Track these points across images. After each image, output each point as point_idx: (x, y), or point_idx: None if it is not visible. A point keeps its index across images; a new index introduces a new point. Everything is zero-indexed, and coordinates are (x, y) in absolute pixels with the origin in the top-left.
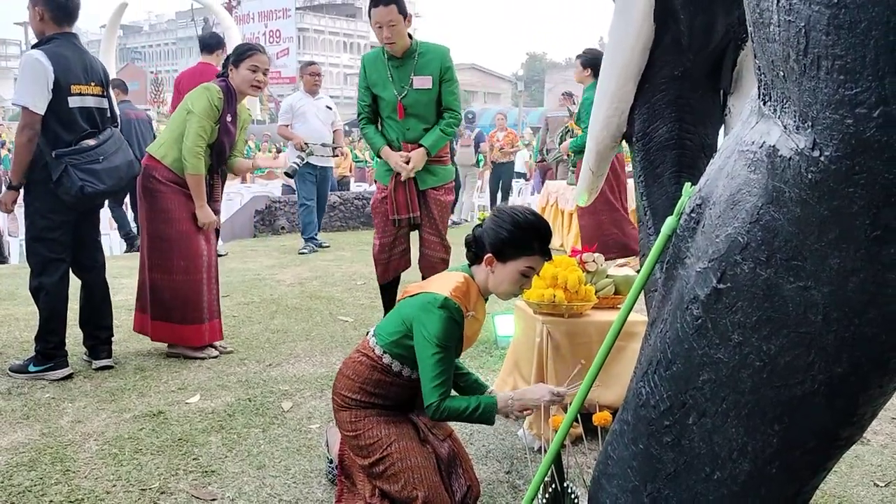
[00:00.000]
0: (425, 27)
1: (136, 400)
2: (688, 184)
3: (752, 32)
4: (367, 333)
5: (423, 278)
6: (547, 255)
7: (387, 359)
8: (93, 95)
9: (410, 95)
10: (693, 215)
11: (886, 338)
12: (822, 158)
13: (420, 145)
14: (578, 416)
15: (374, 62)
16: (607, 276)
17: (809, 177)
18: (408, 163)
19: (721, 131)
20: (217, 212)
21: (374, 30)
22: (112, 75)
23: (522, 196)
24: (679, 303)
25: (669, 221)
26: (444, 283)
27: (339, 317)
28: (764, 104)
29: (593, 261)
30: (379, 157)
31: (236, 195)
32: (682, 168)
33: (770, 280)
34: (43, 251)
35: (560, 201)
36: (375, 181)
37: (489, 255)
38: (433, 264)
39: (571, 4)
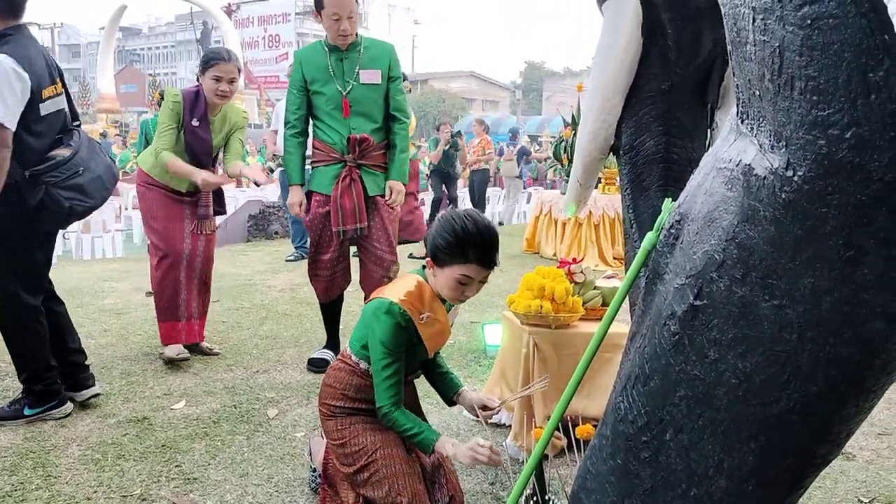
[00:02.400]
0: (424, 34)
1: (121, 405)
2: (668, 199)
3: (731, 51)
4: (346, 343)
5: (366, 297)
6: (487, 265)
7: (363, 364)
8: (60, 95)
9: (356, 90)
10: (672, 231)
11: (861, 357)
12: (795, 178)
13: (387, 176)
14: (563, 426)
15: (311, 56)
16: (595, 288)
17: (783, 196)
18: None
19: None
20: (207, 217)
21: (328, 21)
22: (111, 77)
23: (492, 204)
24: (657, 318)
25: (650, 237)
26: (397, 288)
27: None
28: (741, 122)
29: (581, 272)
30: (289, 183)
31: (231, 199)
32: (669, 181)
33: (745, 298)
34: (22, 275)
35: (553, 210)
36: (310, 191)
37: (428, 258)
38: (377, 281)
39: (570, 14)
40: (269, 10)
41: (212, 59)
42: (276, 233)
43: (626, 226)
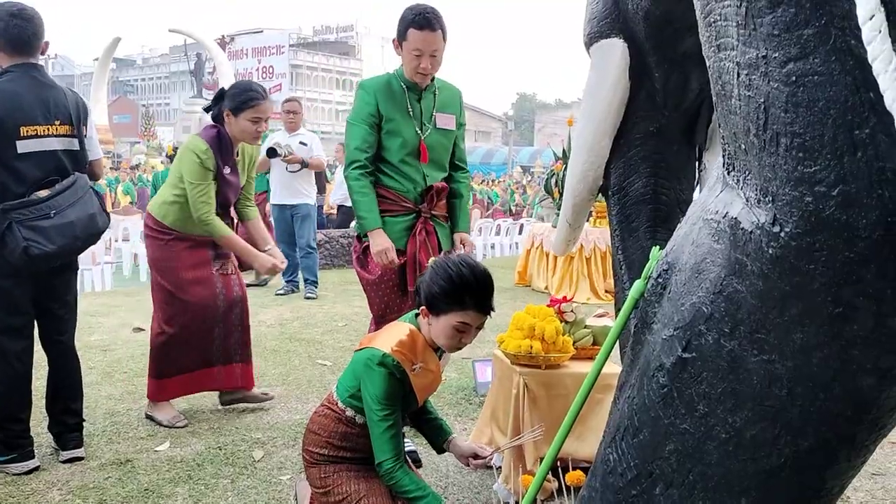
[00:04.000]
0: None
1: (104, 447)
2: (655, 248)
3: (716, 102)
4: (333, 387)
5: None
6: (483, 311)
7: (350, 412)
8: (57, 136)
9: (432, 135)
10: (660, 280)
11: (852, 413)
12: (782, 234)
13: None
14: (554, 469)
15: (386, 91)
16: (585, 327)
17: (770, 252)
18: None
19: (696, 186)
20: (229, 255)
21: (408, 56)
22: (104, 108)
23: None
24: (646, 369)
25: (638, 285)
26: (389, 338)
27: (318, 360)
28: (728, 173)
29: (571, 311)
30: (357, 231)
31: None
32: (658, 223)
33: (734, 352)
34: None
35: (545, 244)
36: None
37: (423, 307)
38: None
39: (562, 46)
40: (264, 41)
41: (250, 100)
42: None
43: (615, 267)
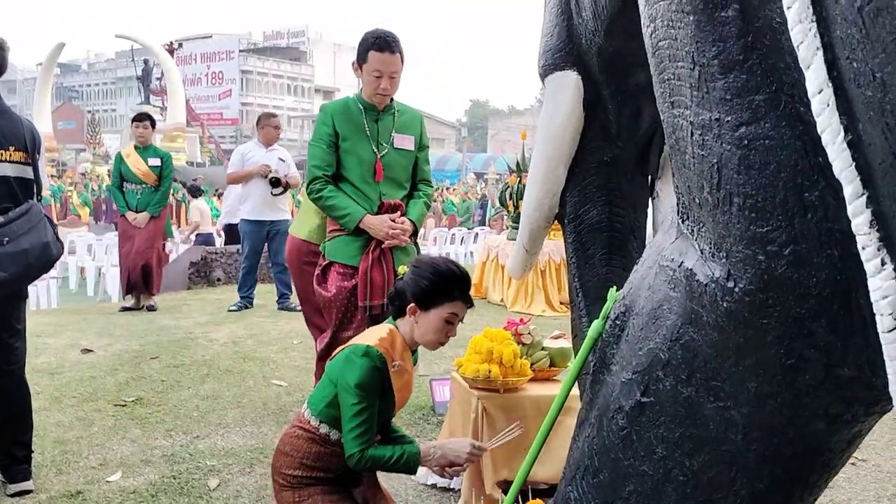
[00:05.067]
0: None
1: (54, 478)
2: (612, 289)
3: (670, 154)
4: (303, 407)
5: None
6: (468, 302)
7: (324, 428)
8: (10, 162)
9: (390, 155)
10: (618, 322)
11: (805, 456)
12: (736, 290)
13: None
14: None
15: (344, 113)
16: (543, 349)
17: (725, 305)
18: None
19: (649, 213)
20: None
21: (369, 77)
22: (48, 115)
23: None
24: (605, 410)
25: (596, 325)
26: (369, 335)
27: (272, 381)
28: (682, 221)
29: (529, 333)
30: (347, 228)
31: (173, 246)
32: (613, 250)
33: (691, 398)
34: None
35: (500, 256)
36: (331, 262)
37: (412, 304)
38: None
39: (514, 53)
40: (213, 47)
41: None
42: (219, 279)
43: (571, 293)
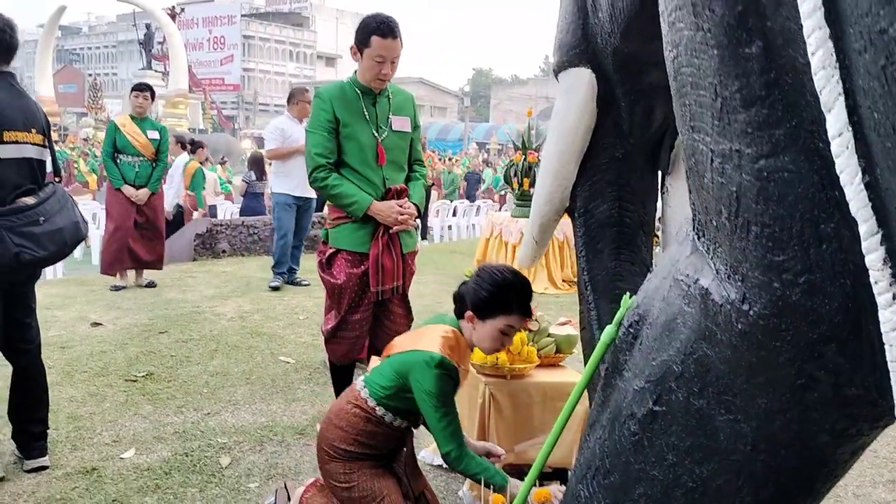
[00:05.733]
0: None
1: (69, 454)
2: (626, 296)
3: (687, 171)
4: (359, 385)
5: (376, 353)
6: (526, 314)
7: (380, 410)
8: (33, 144)
9: (389, 138)
10: (631, 330)
11: (811, 466)
12: (751, 313)
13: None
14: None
15: (341, 97)
16: (549, 335)
17: (739, 327)
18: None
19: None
20: None
21: (370, 62)
22: (49, 79)
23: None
24: (617, 414)
25: (609, 330)
26: (434, 339)
27: (280, 357)
28: (697, 238)
29: (535, 320)
30: (355, 216)
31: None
32: (622, 244)
33: (703, 410)
34: None
35: (504, 233)
36: (337, 250)
37: (469, 312)
38: (391, 338)
39: (516, 22)
40: (215, 11)
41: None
42: (224, 251)
43: (580, 286)
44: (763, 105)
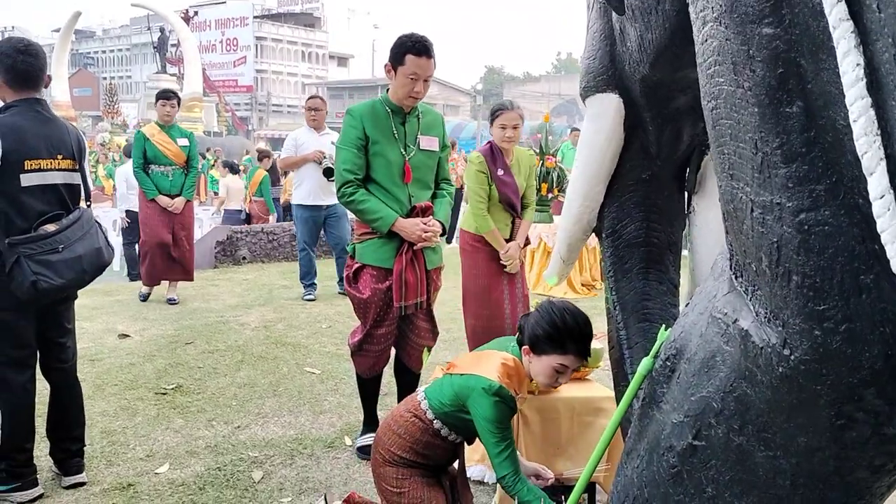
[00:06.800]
0: (384, 38)
1: (105, 470)
2: (663, 328)
3: (725, 214)
4: (419, 395)
5: (405, 368)
6: (583, 356)
7: (437, 424)
8: (60, 170)
9: (417, 156)
10: (668, 363)
11: (847, 499)
12: (791, 358)
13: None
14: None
15: (371, 115)
16: None
17: (780, 370)
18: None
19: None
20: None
21: (403, 80)
22: (65, 84)
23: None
24: (655, 446)
25: (646, 362)
26: (494, 365)
27: (305, 368)
28: (735, 277)
29: None
30: (380, 232)
31: (196, 220)
32: (650, 264)
33: (742, 446)
34: (3, 350)
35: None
36: (363, 265)
37: (526, 346)
38: (418, 354)
39: (529, 20)
40: (227, 13)
41: (498, 109)
42: (244, 258)
43: (608, 305)
44: (803, 161)
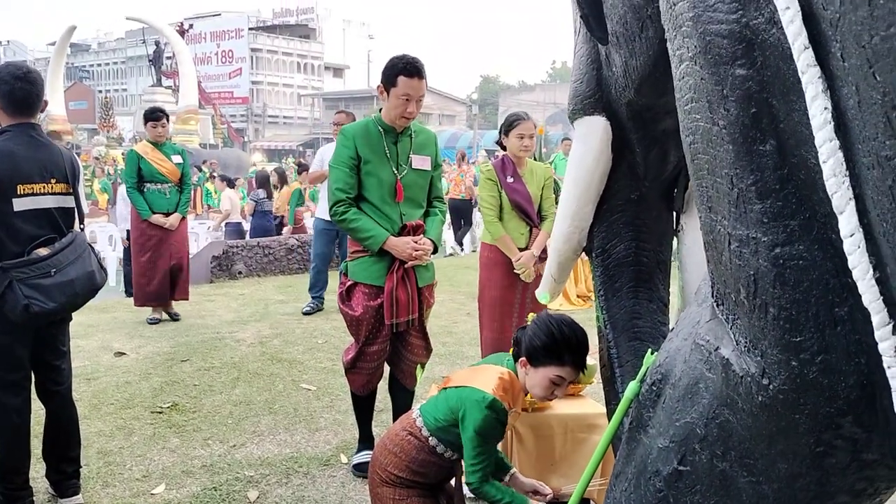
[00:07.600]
0: (379, 49)
1: (101, 491)
2: (649, 352)
3: (705, 245)
4: (415, 413)
5: (399, 385)
6: (580, 367)
7: (433, 441)
8: (53, 194)
9: (409, 176)
10: (654, 388)
11: None
12: (770, 387)
13: (424, 234)
14: None
15: (364, 135)
16: None
17: (760, 399)
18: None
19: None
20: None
21: (396, 101)
22: (61, 98)
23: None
24: (643, 470)
25: (632, 386)
26: (490, 379)
27: (301, 384)
28: (717, 306)
29: None
30: (372, 250)
31: (191, 233)
32: (639, 283)
33: (726, 472)
34: None
35: None
36: (355, 282)
37: (523, 358)
38: (412, 371)
39: (522, 28)
40: (222, 25)
41: (515, 120)
42: (240, 272)
43: (599, 324)
44: (777, 198)
